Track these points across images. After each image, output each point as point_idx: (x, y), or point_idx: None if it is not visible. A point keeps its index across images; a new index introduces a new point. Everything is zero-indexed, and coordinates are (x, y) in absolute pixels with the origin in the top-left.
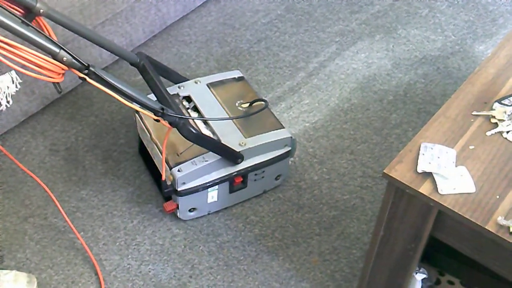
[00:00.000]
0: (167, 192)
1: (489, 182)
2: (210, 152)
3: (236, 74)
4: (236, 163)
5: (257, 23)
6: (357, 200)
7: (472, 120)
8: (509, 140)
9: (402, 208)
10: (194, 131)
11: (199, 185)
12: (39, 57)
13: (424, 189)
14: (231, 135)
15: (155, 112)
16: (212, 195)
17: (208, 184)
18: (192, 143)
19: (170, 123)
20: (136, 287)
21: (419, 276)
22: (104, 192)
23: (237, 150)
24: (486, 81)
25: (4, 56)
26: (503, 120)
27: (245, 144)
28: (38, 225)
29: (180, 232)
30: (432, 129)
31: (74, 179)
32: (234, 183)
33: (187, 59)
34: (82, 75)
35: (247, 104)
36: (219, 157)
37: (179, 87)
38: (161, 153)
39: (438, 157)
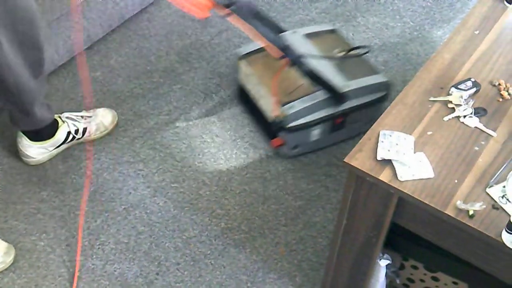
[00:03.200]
0: (277, 129)
1: (447, 167)
2: (318, 92)
3: (329, 26)
4: (340, 103)
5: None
6: (322, 189)
7: (429, 106)
8: (466, 125)
9: (364, 196)
10: (311, 68)
11: (306, 123)
12: None
13: (384, 176)
14: (334, 78)
15: (282, 48)
16: (315, 133)
17: (314, 122)
18: (301, 83)
19: (290, 60)
20: (101, 287)
21: (383, 262)
22: (65, 192)
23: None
24: (442, 66)
25: None
26: (460, 105)
27: (347, 87)
28: None
29: (146, 229)
30: (391, 116)
31: (34, 180)
32: (335, 123)
33: (147, 53)
34: (227, 11)
35: (344, 53)
36: (326, 96)
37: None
38: (271, 93)
39: (397, 144)
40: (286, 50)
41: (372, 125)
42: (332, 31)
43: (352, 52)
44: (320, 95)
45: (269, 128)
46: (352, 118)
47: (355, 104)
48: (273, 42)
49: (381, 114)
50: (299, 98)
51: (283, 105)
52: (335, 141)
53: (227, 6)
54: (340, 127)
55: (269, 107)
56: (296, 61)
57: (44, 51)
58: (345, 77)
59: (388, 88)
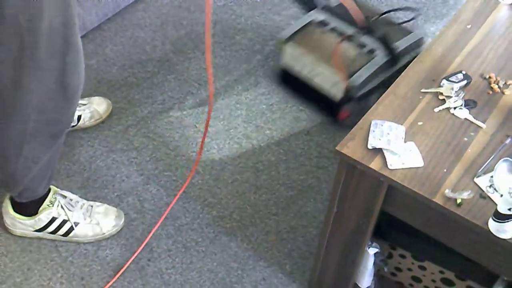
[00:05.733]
0: (347, 101)
1: (436, 157)
2: (374, 59)
3: None
4: (396, 64)
5: (213, 6)
6: (313, 180)
7: (420, 97)
8: (456, 116)
9: (354, 184)
10: (383, 31)
11: (372, 89)
12: None
13: (375, 164)
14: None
15: (366, 17)
16: (374, 97)
17: (375, 88)
18: (355, 56)
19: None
20: (93, 272)
21: (372, 251)
22: (58, 178)
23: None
24: (434, 59)
25: None
26: (451, 97)
27: (399, 47)
28: None
29: (138, 216)
30: (382, 106)
31: None
32: (390, 84)
33: (142, 43)
34: None
35: (376, 18)
36: (383, 61)
37: (310, 15)
38: (331, 69)
39: (388, 134)
40: (367, 18)
41: None
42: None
43: (383, 16)
44: (378, 60)
45: (330, 104)
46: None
47: (404, 63)
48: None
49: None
50: (361, 68)
51: (348, 77)
52: None
53: None
54: None
55: (329, 83)
56: (373, 28)
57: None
58: (392, 39)
59: (422, 43)
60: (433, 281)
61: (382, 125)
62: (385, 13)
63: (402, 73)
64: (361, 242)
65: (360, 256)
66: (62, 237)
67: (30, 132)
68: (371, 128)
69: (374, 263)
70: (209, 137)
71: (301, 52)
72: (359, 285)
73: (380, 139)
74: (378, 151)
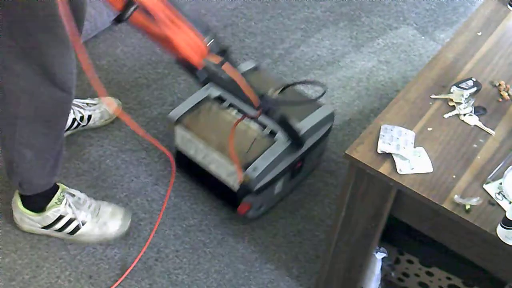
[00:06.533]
0: (244, 194)
1: (446, 162)
2: (275, 143)
3: (251, 64)
4: (300, 147)
5: (223, 9)
6: (321, 184)
7: (430, 103)
8: (465, 123)
9: (363, 188)
10: (282, 113)
11: (271, 179)
12: (193, 37)
13: (384, 169)
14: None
15: (260, 96)
16: (279, 185)
17: (278, 176)
18: (253, 138)
19: (263, 110)
20: (101, 271)
21: (379, 255)
22: (68, 177)
23: None
24: (444, 65)
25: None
26: (460, 103)
27: (301, 129)
28: (0, 209)
29: (146, 216)
30: (392, 111)
31: None
32: (295, 169)
33: (153, 44)
34: (220, 59)
35: (279, 91)
36: (285, 146)
37: (206, 89)
38: (227, 158)
39: (397, 138)
40: (262, 98)
41: (322, 158)
42: (256, 69)
43: (286, 90)
44: (279, 145)
45: (229, 194)
46: (308, 158)
47: (310, 144)
48: (254, 91)
49: (327, 145)
50: (259, 156)
51: (244, 168)
52: (294, 186)
53: (220, 54)
54: (299, 171)
55: (224, 172)
56: (270, 109)
57: None
58: (295, 119)
59: (333, 118)
60: (440, 287)
61: (391, 130)
62: (288, 86)
63: (412, 79)
64: (369, 246)
65: (367, 260)
66: (68, 235)
67: (22, 116)
68: (381, 133)
69: (382, 268)
70: None
71: (192, 136)
72: None
73: (389, 144)
74: (388, 156)
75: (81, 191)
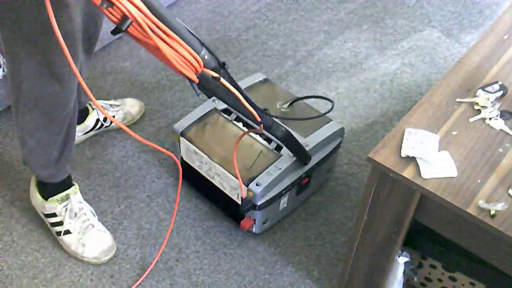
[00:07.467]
0: (247, 209)
1: (471, 167)
2: (281, 158)
3: (260, 77)
4: (306, 163)
5: (246, 11)
6: (342, 186)
7: (455, 106)
8: (491, 127)
9: (386, 192)
10: (285, 129)
11: (275, 195)
12: (188, 51)
13: (407, 173)
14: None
15: (261, 113)
16: (284, 201)
17: (282, 192)
18: (258, 152)
19: (264, 125)
20: (122, 270)
21: (402, 260)
22: (91, 177)
23: None
24: (470, 69)
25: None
26: (486, 107)
27: (307, 145)
28: (24, 208)
29: (167, 217)
30: (417, 115)
31: None
32: (301, 184)
33: None
34: (216, 75)
35: (287, 104)
36: (290, 162)
37: (213, 101)
38: (230, 172)
39: (422, 142)
40: (263, 114)
41: (330, 174)
42: (265, 81)
43: (295, 104)
44: (285, 160)
45: (233, 208)
46: (316, 174)
47: (318, 160)
48: (255, 108)
49: (336, 161)
50: (263, 171)
51: (248, 183)
52: (301, 202)
53: (215, 70)
54: (306, 186)
55: (228, 186)
56: (272, 125)
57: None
58: (302, 134)
59: (343, 134)
60: None
61: (416, 134)
62: (297, 100)
63: (437, 82)
64: (391, 250)
65: (389, 265)
66: (56, 235)
67: (22, 103)
68: (405, 136)
69: (404, 273)
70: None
71: (197, 149)
72: None
73: (413, 148)
74: (411, 159)
75: (104, 191)
